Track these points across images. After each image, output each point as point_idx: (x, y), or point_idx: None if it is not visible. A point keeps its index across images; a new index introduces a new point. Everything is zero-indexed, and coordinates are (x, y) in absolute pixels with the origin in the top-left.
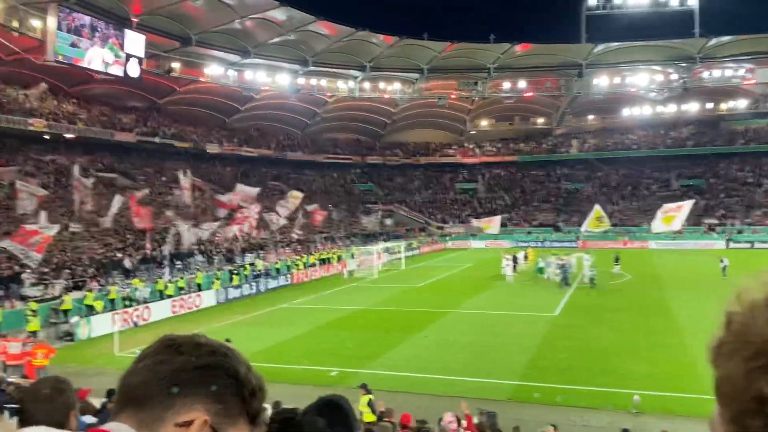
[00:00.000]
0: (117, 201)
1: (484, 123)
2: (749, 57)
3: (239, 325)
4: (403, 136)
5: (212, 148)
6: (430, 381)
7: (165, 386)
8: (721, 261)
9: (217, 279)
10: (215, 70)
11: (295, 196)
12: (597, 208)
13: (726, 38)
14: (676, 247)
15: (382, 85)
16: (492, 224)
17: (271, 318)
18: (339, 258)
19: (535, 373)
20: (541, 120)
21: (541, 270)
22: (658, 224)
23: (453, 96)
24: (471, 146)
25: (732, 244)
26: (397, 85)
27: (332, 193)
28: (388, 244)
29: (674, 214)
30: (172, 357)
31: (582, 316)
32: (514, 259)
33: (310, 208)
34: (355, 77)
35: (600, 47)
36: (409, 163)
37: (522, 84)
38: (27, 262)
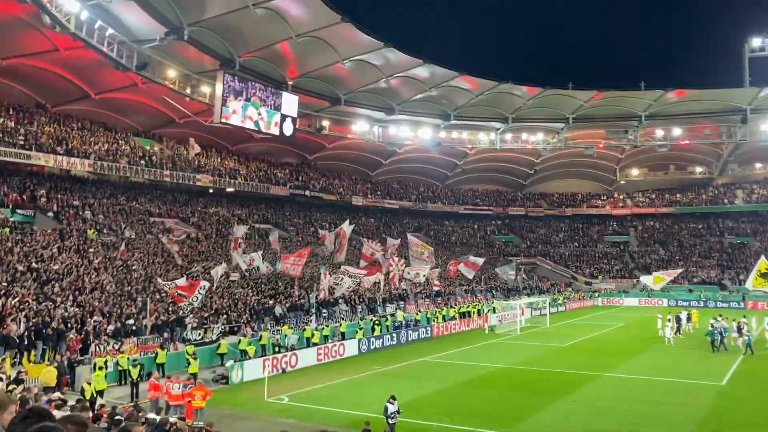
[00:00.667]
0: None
1: (635, 172)
2: None
3: (380, 376)
4: (546, 187)
5: (357, 201)
6: None
7: None
8: None
9: (360, 329)
10: (361, 127)
11: (427, 248)
12: (762, 261)
13: None
14: None
15: (524, 135)
16: (669, 277)
17: (411, 371)
18: (479, 312)
19: None
20: (699, 169)
21: (712, 334)
22: None
23: (601, 145)
24: (621, 197)
25: None
26: (540, 135)
27: (471, 244)
28: (532, 299)
29: None
30: None
31: (754, 387)
32: (677, 320)
33: (474, 260)
34: (497, 129)
35: (767, 91)
36: (554, 214)
37: (677, 131)
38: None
